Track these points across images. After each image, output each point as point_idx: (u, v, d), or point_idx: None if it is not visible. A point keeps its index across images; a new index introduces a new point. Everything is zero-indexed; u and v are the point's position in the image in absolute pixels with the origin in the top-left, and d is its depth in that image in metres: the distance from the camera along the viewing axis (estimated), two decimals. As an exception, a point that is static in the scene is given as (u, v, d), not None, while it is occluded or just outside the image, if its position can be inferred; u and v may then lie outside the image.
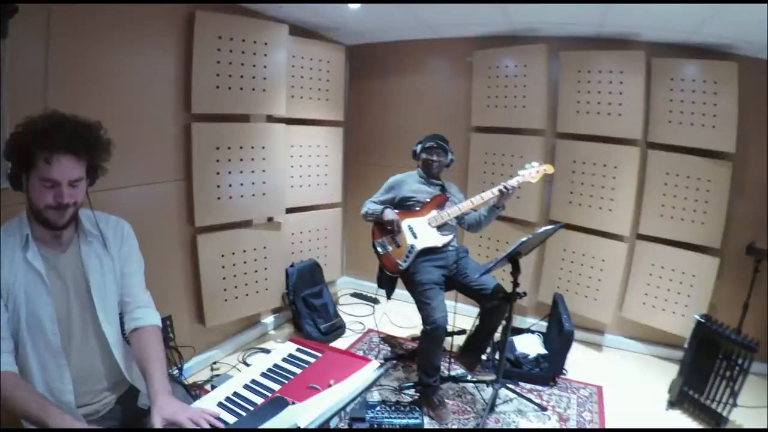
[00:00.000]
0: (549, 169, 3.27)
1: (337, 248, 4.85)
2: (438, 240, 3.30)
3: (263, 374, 1.75)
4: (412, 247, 3.27)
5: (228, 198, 3.54)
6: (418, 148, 3.44)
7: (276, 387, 1.66)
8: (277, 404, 1.49)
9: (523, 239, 2.81)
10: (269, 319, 4.31)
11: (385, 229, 3.34)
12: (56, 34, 2.38)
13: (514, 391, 3.25)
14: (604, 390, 3.47)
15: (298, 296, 4.15)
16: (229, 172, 3.52)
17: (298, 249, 4.43)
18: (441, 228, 3.34)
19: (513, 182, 3.16)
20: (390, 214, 3.28)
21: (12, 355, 1.54)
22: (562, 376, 3.59)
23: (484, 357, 3.71)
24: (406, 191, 3.41)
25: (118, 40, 2.72)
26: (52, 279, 1.62)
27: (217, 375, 3.50)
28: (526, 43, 3.92)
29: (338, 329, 4.24)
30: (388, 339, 4.19)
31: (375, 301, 4.87)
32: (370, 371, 1.53)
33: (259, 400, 1.60)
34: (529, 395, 3.31)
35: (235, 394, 1.64)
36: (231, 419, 1.51)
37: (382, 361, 3.52)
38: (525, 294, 2.99)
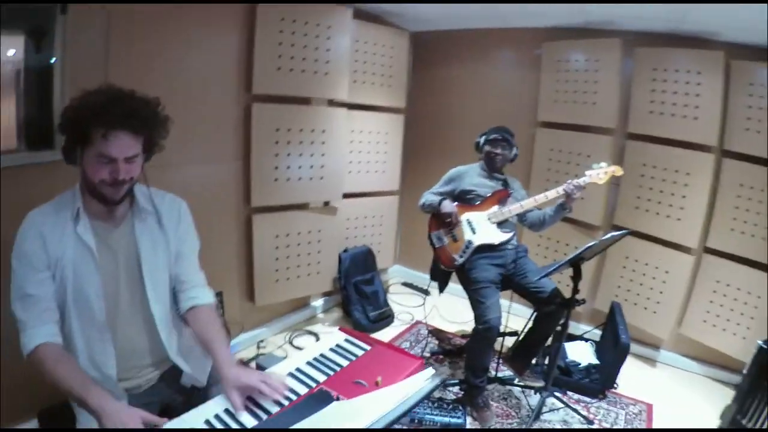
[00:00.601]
0: (618, 170, 3.07)
1: (391, 236, 4.81)
2: (497, 237, 3.19)
3: (309, 363, 1.72)
4: (470, 242, 3.18)
5: (285, 180, 3.56)
6: (482, 140, 3.29)
7: (321, 378, 1.63)
8: (322, 398, 1.45)
9: (590, 244, 2.67)
10: (318, 302, 4.33)
11: (443, 222, 3.26)
12: (118, 12, 2.42)
13: (561, 401, 3.11)
14: (654, 409, 3.28)
15: (350, 282, 4.14)
16: (288, 155, 3.54)
17: (353, 235, 4.42)
18: (501, 225, 3.22)
19: (580, 182, 2.99)
20: (448, 206, 3.19)
21: (57, 327, 1.54)
22: (612, 390, 3.41)
23: (533, 361, 3.57)
24: (466, 184, 3.29)
25: (182, 19, 2.75)
26: (102, 253, 1.61)
27: (263, 354, 3.54)
28: (599, 37, 3.72)
29: (387, 318, 4.22)
30: (436, 332, 4.13)
31: (426, 292, 4.80)
32: (422, 380, 1.38)
33: (302, 389, 1.56)
34: (576, 406, 3.17)
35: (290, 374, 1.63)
36: (274, 408, 1.49)
37: (444, 377, 3.37)
38: (584, 301, 2.84)
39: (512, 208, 3.19)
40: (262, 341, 3.72)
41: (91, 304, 1.58)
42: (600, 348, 3.73)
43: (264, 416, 1.43)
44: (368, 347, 1.83)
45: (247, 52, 3.18)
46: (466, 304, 3.14)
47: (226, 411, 1.47)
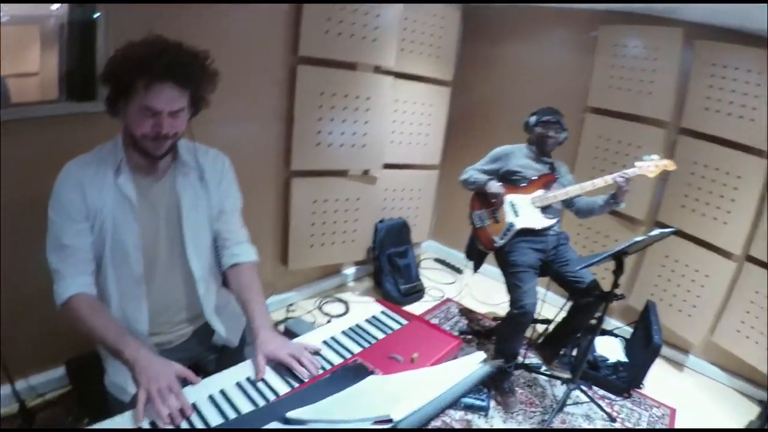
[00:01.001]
0: (670, 165, 2.93)
1: (428, 211, 4.75)
2: (540, 222, 3.10)
3: (344, 332, 1.69)
4: (512, 225, 3.10)
5: (327, 145, 3.53)
6: (532, 120, 3.15)
7: (356, 349, 1.60)
8: (358, 371, 1.41)
9: (637, 239, 2.58)
10: (350, 271, 4.33)
11: (486, 202, 3.18)
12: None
13: (587, 395, 3.04)
14: (678, 414, 3.18)
15: (384, 253, 4.12)
16: (331, 120, 3.49)
17: (389, 206, 4.37)
18: (545, 209, 3.12)
19: (629, 172, 2.87)
20: (495, 186, 3.10)
21: (92, 278, 1.53)
22: (638, 390, 3.31)
23: (562, 352, 3.51)
24: (513, 165, 3.18)
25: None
26: (143, 207, 1.57)
27: (292, 317, 3.56)
28: (659, 24, 3.51)
29: (417, 293, 4.19)
30: (466, 312, 4.08)
31: (458, 270, 4.77)
32: (472, 364, 1.24)
33: (335, 359, 1.54)
34: (600, 402, 3.09)
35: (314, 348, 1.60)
36: (303, 371, 1.46)
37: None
38: (623, 297, 2.75)
39: (557, 194, 3.08)
40: (291, 305, 3.73)
41: (128, 257, 1.56)
42: (630, 346, 3.61)
43: (296, 384, 1.42)
44: (404, 322, 1.80)
45: (295, 13, 3.11)
46: (499, 286, 3.09)
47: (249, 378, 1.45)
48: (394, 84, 3.85)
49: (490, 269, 3.30)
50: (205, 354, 1.84)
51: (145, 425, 1.24)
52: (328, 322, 3.60)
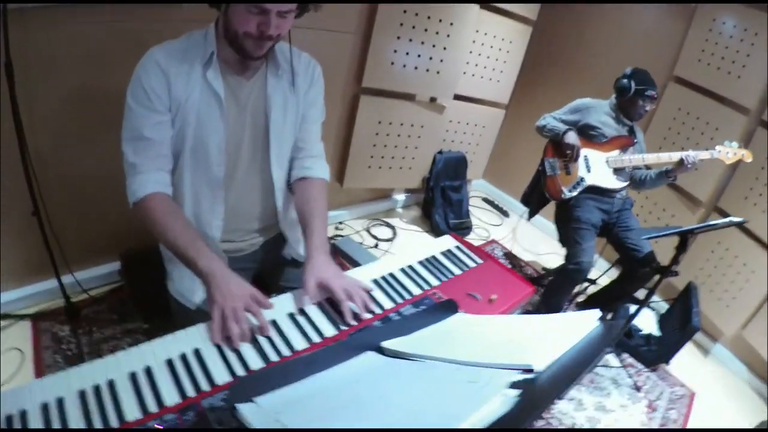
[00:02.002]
0: (748, 156, 2.83)
1: (487, 149, 4.63)
2: (612, 182, 3.03)
3: (421, 263, 1.65)
4: (582, 179, 3.01)
5: (401, 66, 3.40)
6: (632, 86, 2.93)
7: (433, 281, 1.56)
8: (447, 307, 1.38)
9: (710, 222, 2.54)
10: (401, 197, 4.29)
11: (560, 152, 3.07)
12: None
13: (619, 360, 3.09)
14: (696, 398, 3.17)
15: (438, 185, 4.06)
16: (410, 40, 3.35)
17: (450, 138, 4.26)
18: (617, 171, 3.04)
19: (706, 154, 2.79)
20: (573, 137, 2.99)
21: (170, 176, 1.47)
22: (664, 366, 3.30)
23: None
24: (592, 119, 3.06)
25: None
26: (230, 105, 1.47)
27: (341, 235, 3.56)
28: (763, 9, 3.19)
29: (465, 229, 4.16)
30: (510, 256, 4.06)
31: (506, 214, 4.70)
32: (589, 321, 1.09)
33: (413, 288, 1.51)
34: (629, 369, 3.13)
35: (391, 275, 1.56)
36: (382, 298, 1.45)
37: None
38: (677, 273, 2.67)
39: (633, 158, 2.99)
40: (341, 223, 3.73)
41: (209, 157, 1.48)
42: (664, 321, 3.56)
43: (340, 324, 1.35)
44: (480, 261, 1.75)
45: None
46: (544, 236, 3.05)
47: (328, 301, 1.41)
48: (479, 14, 3.66)
49: (539, 219, 3.22)
50: (273, 266, 1.82)
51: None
52: (375, 245, 3.61)
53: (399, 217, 4.16)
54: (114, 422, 0.99)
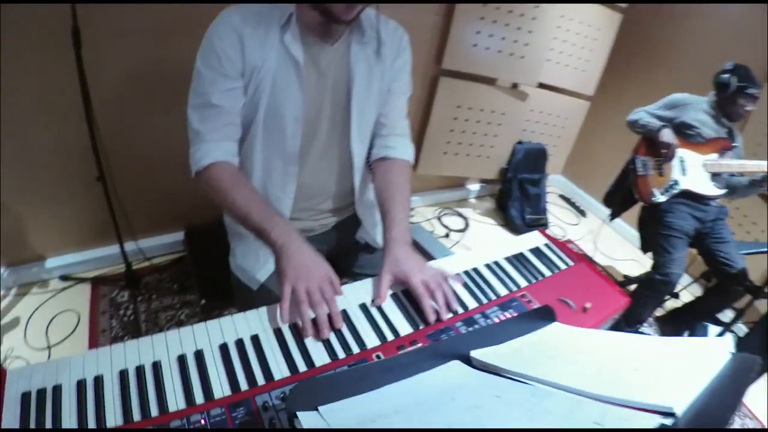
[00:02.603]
0: None
1: (568, 143, 4.35)
2: (708, 188, 2.73)
3: (508, 259, 1.46)
4: (676, 182, 2.73)
5: (484, 48, 3.20)
6: (732, 82, 2.63)
7: (522, 282, 1.37)
8: (543, 315, 1.17)
9: None
10: (475, 187, 4.09)
11: (654, 150, 2.80)
12: None
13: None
14: None
15: (516, 177, 3.83)
16: (494, 21, 3.13)
17: (531, 129, 4.01)
18: (714, 176, 2.75)
19: None
20: (669, 136, 2.70)
21: (237, 147, 1.35)
22: None
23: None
24: (689, 117, 2.77)
25: None
26: (309, 73, 1.31)
27: (412, 223, 3.38)
28: None
29: (541, 226, 3.90)
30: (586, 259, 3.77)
31: (583, 213, 4.41)
32: (722, 352, 0.84)
33: (499, 287, 1.32)
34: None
35: (475, 270, 1.37)
36: (465, 295, 1.27)
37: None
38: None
39: (732, 164, 2.70)
40: (411, 209, 3.55)
41: (284, 128, 1.33)
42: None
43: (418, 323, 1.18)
44: (571, 262, 1.54)
45: None
46: (623, 241, 2.76)
47: (405, 294, 1.24)
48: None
49: (618, 222, 2.95)
50: (345, 250, 1.66)
51: (286, 330, 1.07)
52: (446, 235, 3.44)
53: (472, 208, 3.96)
54: (154, 410, 0.87)
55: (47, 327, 2.34)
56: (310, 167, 1.45)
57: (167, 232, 2.75)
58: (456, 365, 0.91)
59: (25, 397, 0.86)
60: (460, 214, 3.78)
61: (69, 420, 0.84)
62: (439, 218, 3.61)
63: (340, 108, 1.40)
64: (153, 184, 2.52)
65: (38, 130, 2.18)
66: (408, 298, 1.21)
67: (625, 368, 0.85)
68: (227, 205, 1.26)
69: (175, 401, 0.89)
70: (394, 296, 1.21)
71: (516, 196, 3.83)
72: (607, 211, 3.23)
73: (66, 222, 2.51)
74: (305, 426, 0.67)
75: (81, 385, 0.89)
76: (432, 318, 1.14)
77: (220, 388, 0.92)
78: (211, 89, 1.24)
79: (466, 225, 3.70)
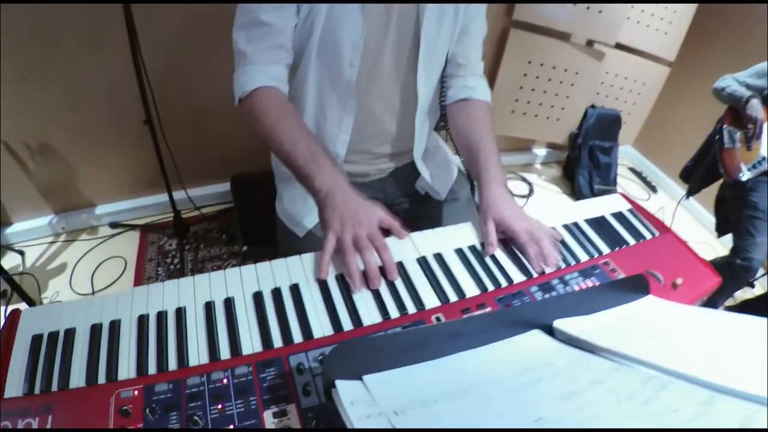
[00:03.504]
0: None
1: (644, 111, 4.02)
2: None
3: (588, 222, 1.27)
4: (765, 159, 2.43)
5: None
6: None
7: (604, 248, 1.17)
8: (635, 285, 0.98)
9: None
10: (541, 152, 3.84)
11: (740, 122, 2.50)
12: None
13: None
14: None
15: (587, 143, 3.56)
16: (573, -31, 2.85)
17: (605, 93, 3.71)
18: None
19: None
20: (756, 107, 2.39)
21: (287, 72, 1.19)
22: None
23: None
24: None
25: None
26: None
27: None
28: None
29: (609, 198, 3.65)
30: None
31: (653, 189, 4.09)
32: None
33: (580, 252, 1.13)
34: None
35: (553, 229, 1.20)
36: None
37: None
38: None
39: None
40: (475, 170, 3.38)
41: (341, 57, 1.17)
42: None
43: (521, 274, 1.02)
44: (656, 232, 1.34)
45: None
46: (695, 222, 2.50)
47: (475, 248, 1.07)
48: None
49: (691, 202, 2.70)
50: (402, 201, 1.49)
51: (331, 282, 0.91)
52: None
53: (537, 174, 3.72)
54: (172, 363, 0.75)
55: (93, 273, 2.31)
56: (369, 103, 1.28)
57: (217, 182, 2.67)
58: (537, 336, 0.73)
59: (36, 339, 0.77)
60: (524, 179, 3.56)
61: (79, 367, 0.74)
62: (502, 183, 3.40)
63: (407, 39, 1.22)
64: (203, 133, 2.44)
65: (86, 74, 2.11)
66: (477, 257, 1.04)
67: (733, 351, 0.66)
68: (271, 138, 1.10)
69: (197, 354, 0.76)
70: (458, 252, 1.04)
71: (585, 163, 3.56)
72: (680, 190, 2.97)
73: (116, 169, 2.47)
74: (343, 398, 0.51)
75: (95, 330, 0.78)
76: (538, 267, 1.01)
77: (250, 343, 0.78)
78: (260, 6, 1.09)
79: (531, 191, 3.48)
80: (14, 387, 0.70)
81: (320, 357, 0.74)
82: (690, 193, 2.93)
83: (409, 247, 1.02)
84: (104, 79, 2.13)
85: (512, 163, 3.69)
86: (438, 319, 0.86)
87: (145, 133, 2.04)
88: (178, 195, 2.35)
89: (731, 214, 2.59)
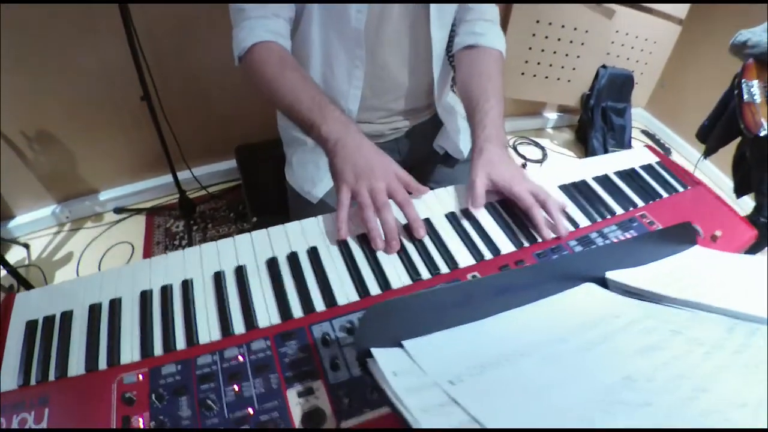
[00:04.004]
0: None
1: (655, 71, 3.88)
2: None
3: (618, 174, 1.17)
4: None
5: (568, -46, 2.80)
6: None
7: (638, 201, 1.08)
8: (683, 235, 0.88)
9: None
10: (552, 116, 3.72)
11: (763, 73, 2.38)
12: None
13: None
14: None
15: (599, 104, 3.44)
16: None
17: (615, 52, 3.57)
18: None
19: None
20: None
21: (288, 26, 1.09)
22: None
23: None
24: None
25: None
26: None
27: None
28: None
29: (625, 161, 3.54)
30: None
31: (668, 152, 3.97)
32: None
33: (614, 205, 1.04)
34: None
35: (584, 183, 1.10)
36: (575, 212, 0.99)
37: None
38: None
39: None
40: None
41: (347, 6, 1.07)
42: None
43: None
44: (687, 185, 1.24)
45: None
46: (713, 185, 2.38)
47: (503, 204, 0.97)
48: None
49: (705, 165, 2.60)
50: (420, 161, 1.39)
51: (352, 242, 0.82)
52: (523, 165, 3.14)
53: (549, 138, 3.61)
54: (180, 342, 0.66)
55: (101, 260, 2.23)
56: (380, 54, 1.17)
57: (222, 159, 2.58)
58: (591, 289, 0.64)
59: (31, 325, 0.69)
60: (537, 144, 3.45)
61: (77, 353, 0.66)
62: (515, 147, 3.31)
63: None
64: (204, 107, 2.34)
65: (79, 54, 2.00)
66: (507, 211, 0.94)
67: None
68: (272, 93, 1.01)
69: (208, 330, 0.67)
70: (490, 207, 0.94)
71: (599, 125, 3.45)
72: (695, 152, 2.86)
73: (117, 152, 2.37)
74: (384, 369, 0.42)
75: (94, 311, 0.70)
76: (546, 233, 0.88)
77: (266, 314, 0.69)
78: None
79: (544, 155, 3.38)
80: (9, 379, 0.63)
81: (348, 325, 0.66)
82: (708, 152, 2.82)
83: (435, 204, 0.93)
84: (98, 58, 2.02)
85: (524, 128, 3.58)
86: (474, 277, 0.77)
87: (144, 111, 1.95)
88: (182, 175, 2.26)
89: (752, 172, 2.48)
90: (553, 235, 0.88)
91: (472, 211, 0.91)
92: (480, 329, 0.53)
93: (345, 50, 1.13)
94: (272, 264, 0.77)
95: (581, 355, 0.47)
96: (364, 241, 0.81)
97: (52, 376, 0.63)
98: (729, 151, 2.59)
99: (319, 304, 0.71)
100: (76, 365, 0.64)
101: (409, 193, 0.88)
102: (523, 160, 3.24)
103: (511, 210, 0.94)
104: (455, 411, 0.38)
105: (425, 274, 0.77)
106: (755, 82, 2.37)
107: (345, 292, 0.73)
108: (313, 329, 0.66)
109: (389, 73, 1.20)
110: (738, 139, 2.52)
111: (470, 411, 0.37)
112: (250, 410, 0.58)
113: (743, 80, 2.41)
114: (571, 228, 0.92)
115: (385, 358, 0.44)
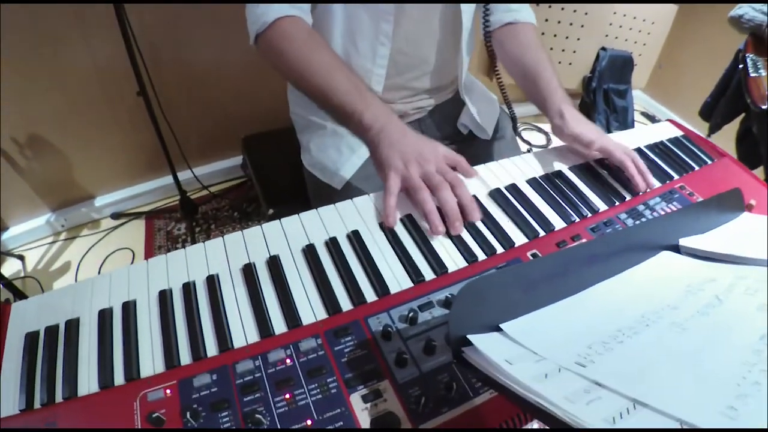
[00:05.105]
0: None
1: (654, 52, 3.83)
2: None
3: (649, 148, 1.12)
4: None
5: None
6: None
7: (672, 173, 1.03)
8: (733, 202, 0.82)
9: None
10: (553, 101, 3.66)
11: (764, 49, 2.33)
12: None
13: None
14: None
15: (601, 86, 3.40)
16: None
17: (614, 34, 3.53)
18: None
19: None
20: None
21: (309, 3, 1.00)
22: None
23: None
24: None
25: None
26: None
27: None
28: None
29: (630, 142, 3.49)
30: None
31: (669, 130, 3.93)
32: None
33: (650, 177, 0.99)
34: None
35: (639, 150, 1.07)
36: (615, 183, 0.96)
37: None
38: None
39: None
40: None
41: None
42: None
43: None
44: (713, 158, 1.19)
45: None
46: None
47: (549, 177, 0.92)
48: None
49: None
50: (444, 142, 1.32)
51: (401, 231, 0.74)
52: (528, 150, 3.07)
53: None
54: (211, 348, 0.58)
55: (100, 269, 2.15)
56: (406, 29, 1.09)
57: (224, 157, 2.50)
58: (671, 256, 0.59)
59: (31, 338, 0.60)
60: (540, 129, 3.40)
61: (87, 367, 0.57)
62: (518, 133, 3.25)
63: None
64: (203, 102, 2.26)
65: (70, 52, 1.91)
66: (553, 186, 0.88)
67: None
68: (300, 73, 0.92)
69: (243, 332, 0.59)
70: (534, 182, 0.87)
71: (602, 108, 3.41)
72: (697, 132, 2.80)
73: (113, 154, 2.28)
74: (494, 357, 0.35)
75: (104, 317, 0.61)
76: (642, 185, 0.91)
77: (310, 308, 0.61)
78: None
79: (548, 140, 3.32)
80: (9, 402, 0.54)
81: (409, 314, 0.58)
82: (712, 130, 2.77)
83: (476, 182, 0.86)
84: (90, 52, 1.94)
85: (526, 113, 3.53)
86: (534, 255, 0.70)
87: (140, 108, 1.86)
88: (182, 175, 2.17)
89: (760, 146, 2.44)
90: (645, 189, 0.91)
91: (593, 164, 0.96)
92: (576, 305, 0.46)
93: (370, 26, 1.05)
94: (310, 251, 0.69)
95: (705, 320, 0.42)
96: (411, 223, 0.74)
97: (59, 397, 0.54)
98: (731, 128, 2.57)
99: (370, 294, 0.63)
100: (88, 382, 0.55)
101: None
102: (528, 146, 3.19)
103: (553, 183, 0.89)
104: (604, 394, 0.31)
105: (481, 255, 0.70)
106: (760, 58, 2.33)
107: (397, 279, 0.65)
108: (369, 321, 0.58)
109: (415, 50, 1.13)
110: (741, 115, 2.48)
111: (624, 392, 0.31)
112: (309, 421, 0.50)
113: (748, 54, 2.36)
114: (656, 185, 0.94)
115: (488, 346, 0.37)
